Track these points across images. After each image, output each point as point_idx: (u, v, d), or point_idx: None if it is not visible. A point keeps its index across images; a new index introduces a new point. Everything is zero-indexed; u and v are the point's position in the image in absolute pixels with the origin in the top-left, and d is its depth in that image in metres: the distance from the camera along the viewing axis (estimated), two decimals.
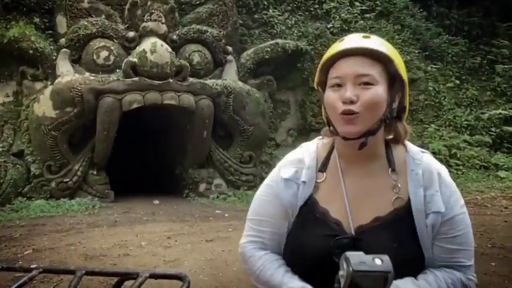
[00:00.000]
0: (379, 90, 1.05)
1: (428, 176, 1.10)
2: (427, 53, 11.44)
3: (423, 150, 1.18)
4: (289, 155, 1.24)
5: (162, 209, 7.52)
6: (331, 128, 1.13)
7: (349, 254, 0.88)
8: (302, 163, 1.18)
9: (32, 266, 1.43)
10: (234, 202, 8.02)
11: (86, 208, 7.26)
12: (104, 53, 7.86)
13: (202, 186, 8.52)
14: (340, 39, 1.12)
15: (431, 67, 11.22)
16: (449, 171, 5.02)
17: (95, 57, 7.82)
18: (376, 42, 1.08)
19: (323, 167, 1.16)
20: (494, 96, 11.35)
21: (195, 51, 8.46)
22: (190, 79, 7.96)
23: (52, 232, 5.80)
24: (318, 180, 1.15)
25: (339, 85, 1.07)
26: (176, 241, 5.29)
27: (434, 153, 9.29)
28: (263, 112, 8.72)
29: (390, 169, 1.12)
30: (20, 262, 4.49)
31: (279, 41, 9.51)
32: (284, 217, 1.16)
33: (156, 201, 8.08)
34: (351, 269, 0.86)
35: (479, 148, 9.95)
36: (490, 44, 11.96)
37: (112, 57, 7.86)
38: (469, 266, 1.13)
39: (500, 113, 10.50)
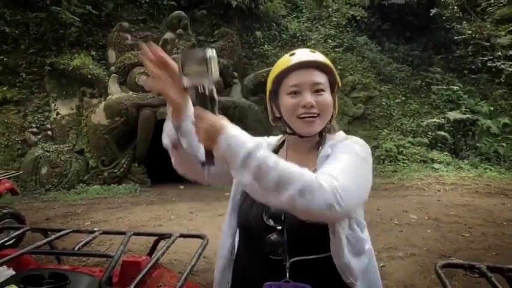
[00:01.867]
0: (328, 96, 0.96)
1: (334, 144, 0.94)
2: (381, 77, 11.44)
3: (348, 136, 1.00)
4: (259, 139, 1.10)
5: (186, 192, 7.53)
6: (283, 127, 1.01)
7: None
8: (267, 142, 1.09)
9: (94, 229, 1.47)
10: None
11: (129, 191, 7.28)
12: (143, 77, 7.82)
13: None
14: (290, 53, 1.00)
15: (384, 87, 11.22)
16: (397, 164, 5.09)
17: (136, 80, 7.81)
18: (321, 57, 0.98)
19: (276, 151, 1.06)
20: (430, 109, 11.34)
21: None
22: None
23: (105, 209, 5.85)
24: None
25: (296, 92, 0.94)
26: (197, 215, 5.32)
27: (386, 151, 9.37)
28: (260, 120, 8.71)
29: (318, 155, 0.95)
30: (73, 236, 4.50)
31: (272, 68, 9.53)
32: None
33: (181, 187, 8.06)
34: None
35: (419, 147, 9.93)
36: (427, 71, 11.95)
37: None
38: (331, 173, 0.80)
39: (435, 121, 10.47)
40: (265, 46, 10.37)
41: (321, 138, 1.00)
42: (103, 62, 8.33)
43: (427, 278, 2.99)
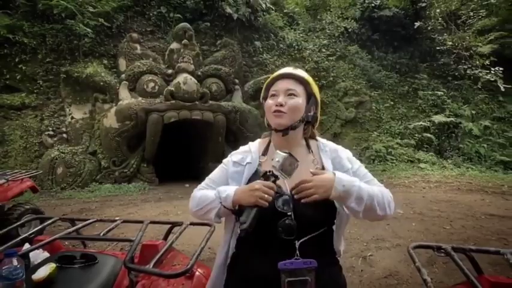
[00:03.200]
0: (299, 100, 1.13)
1: (333, 151, 1.19)
2: (371, 83, 11.56)
3: (327, 141, 1.25)
4: (240, 148, 1.26)
5: (191, 190, 7.27)
6: (269, 124, 1.19)
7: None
8: (248, 151, 1.22)
9: (116, 218, 1.58)
10: None
11: (139, 189, 7.36)
12: (151, 84, 7.94)
13: None
14: (279, 70, 1.21)
15: (374, 93, 11.34)
16: (386, 164, 5.22)
17: (145, 87, 7.89)
18: (300, 72, 1.18)
19: (264, 152, 1.20)
20: (417, 112, 11.44)
21: (213, 82, 8.54)
22: (210, 102, 8.05)
23: (117, 205, 5.93)
24: (261, 160, 1.18)
25: (274, 95, 1.15)
26: None
27: (376, 152, 9.47)
28: (259, 124, 8.79)
29: (310, 151, 1.19)
30: (96, 225, 4.60)
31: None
32: (225, 178, 1.18)
33: (187, 185, 8.12)
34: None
35: (407, 148, 10.03)
36: (414, 77, 12.05)
37: (157, 87, 7.93)
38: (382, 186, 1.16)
39: (421, 124, 10.58)
40: (264, 55, 10.50)
41: (306, 141, 1.21)
42: (114, 70, 8.42)
43: (410, 265, 3.10)
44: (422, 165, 9.27)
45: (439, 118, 10.55)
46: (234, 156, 1.23)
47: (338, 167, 1.14)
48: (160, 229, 3.45)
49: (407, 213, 4.88)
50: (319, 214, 1.06)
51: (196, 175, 9.17)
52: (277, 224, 1.02)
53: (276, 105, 1.12)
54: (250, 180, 1.13)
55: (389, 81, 11.85)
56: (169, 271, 1.13)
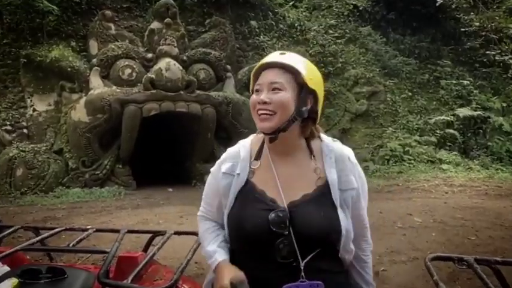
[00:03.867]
0: (286, 95, 1.06)
1: (340, 159, 1.13)
2: (386, 71, 11.62)
3: (334, 139, 1.19)
4: (228, 150, 1.24)
5: (175, 195, 7.61)
6: None
7: None
8: (238, 156, 1.17)
9: (87, 227, 1.60)
10: None
11: (113, 195, 7.33)
12: (128, 71, 7.90)
13: (207, 177, 8.48)
14: (265, 57, 1.15)
15: (389, 82, 11.40)
16: (403, 164, 5.29)
17: (120, 73, 7.85)
18: (288, 58, 1.10)
19: (257, 156, 1.16)
20: (439, 105, 11.54)
21: (201, 69, 8.52)
22: (197, 91, 8.04)
23: (87, 213, 5.91)
24: (254, 167, 1.14)
25: (258, 90, 1.10)
26: (187, 219, 5.42)
27: (391, 151, 9.55)
28: None
29: (312, 156, 1.13)
30: (63, 236, 4.61)
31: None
32: (218, 199, 1.18)
33: (170, 189, 8.15)
34: None
35: (426, 146, 10.12)
36: (436, 64, 12.14)
37: (134, 74, 7.91)
38: (367, 228, 1.20)
39: (443, 119, 10.67)
40: (261, 37, 10.49)
41: (307, 141, 1.15)
42: (84, 53, 8.37)
43: (429, 281, 3.14)
44: (444, 166, 9.37)
45: (464, 111, 10.66)
46: (224, 165, 1.19)
47: (343, 180, 1.10)
48: (140, 240, 3.46)
49: (427, 222, 4.94)
50: (324, 228, 1.05)
51: (182, 178, 9.25)
52: (274, 246, 1.03)
53: (259, 103, 1.08)
54: (238, 197, 1.11)
55: (407, 68, 11.92)
56: (151, 287, 1.15)
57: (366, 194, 1.17)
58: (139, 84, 7.77)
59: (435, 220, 5.04)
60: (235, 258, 1.12)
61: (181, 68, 7.91)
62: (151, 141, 9.45)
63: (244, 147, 1.20)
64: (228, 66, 9.01)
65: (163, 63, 7.79)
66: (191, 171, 8.79)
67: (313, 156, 1.13)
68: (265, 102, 1.07)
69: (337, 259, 1.12)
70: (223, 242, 1.15)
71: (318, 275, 1.04)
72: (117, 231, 1.52)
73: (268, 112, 1.06)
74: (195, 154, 8.62)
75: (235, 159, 1.17)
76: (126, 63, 7.93)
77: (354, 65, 11.31)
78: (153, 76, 7.65)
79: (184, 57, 8.40)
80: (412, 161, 9.59)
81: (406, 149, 9.84)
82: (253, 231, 1.05)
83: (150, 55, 8.13)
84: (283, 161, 1.13)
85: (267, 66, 1.12)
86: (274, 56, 1.12)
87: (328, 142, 1.16)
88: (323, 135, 1.19)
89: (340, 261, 1.13)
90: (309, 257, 1.04)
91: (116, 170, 7.93)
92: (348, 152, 1.17)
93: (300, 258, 1.03)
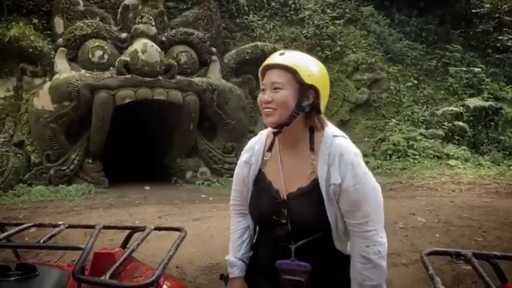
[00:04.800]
0: (285, 93, 1.32)
1: (333, 155, 1.33)
2: (389, 55, 11.75)
3: (336, 134, 1.38)
4: (249, 142, 1.55)
5: (153, 194, 7.63)
6: None
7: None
8: (254, 148, 1.49)
9: (59, 223, 1.64)
10: (218, 188, 8.19)
11: (82, 193, 7.30)
12: (99, 52, 7.85)
13: (188, 174, 8.66)
14: (269, 57, 1.39)
15: (393, 68, 11.53)
16: (407, 160, 5.44)
17: (90, 55, 7.81)
18: (286, 58, 1.34)
19: (270, 147, 1.45)
20: (447, 94, 11.72)
21: (182, 51, 8.52)
22: (178, 77, 8.03)
23: (53, 213, 5.89)
24: (266, 158, 1.45)
25: (264, 90, 1.37)
26: (166, 220, 5.46)
27: (394, 145, 9.70)
28: (244, 107, 8.88)
29: (312, 149, 1.37)
30: (26, 239, 4.62)
31: (258, 43, 9.65)
32: (244, 186, 1.51)
33: (147, 187, 8.16)
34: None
35: (433, 140, 10.28)
36: (444, 49, 12.32)
37: (106, 56, 7.87)
38: (373, 229, 1.32)
39: (452, 110, 10.83)
40: (250, 16, 10.50)
41: (311, 132, 1.39)
42: (48, 32, 8.26)
43: (432, 285, 3.27)
44: (452, 162, 9.55)
45: (474, 102, 10.85)
46: (244, 155, 1.52)
47: (331, 176, 1.32)
48: (116, 238, 3.52)
49: (431, 222, 5.08)
50: (313, 221, 1.34)
51: (160, 174, 9.28)
52: (274, 231, 1.38)
53: (263, 102, 1.35)
54: (255, 184, 1.46)
55: (413, 53, 12.07)
56: (130, 283, 1.21)
57: (363, 193, 1.32)
58: (111, 68, 7.74)
59: (440, 220, 5.17)
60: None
61: (159, 50, 7.88)
62: (125, 133, 9.43)
63: (259, 139, 1.50)
64: (213, 49, 9.01)
65: (139, 44, 7.75)
66: (171, 167, 8.81)
67: (313, 149, 1.36)
68: (268, 102, 1.33)
69: (331, 246, 1.38)
70: (247, 252, 1.53)
71: (308, 258, 1.34)
72: (92, 227, 1.57)
73: (271, 109, 1.33)
74: (175, 148, 8.64)
75: (252, 151, 1.49)
76: (97, 43, 7.87)
77: (354, 49, 11.40)
78: (127, 59, 7.61)
79: (163, 38, 8.37)
80: (417, 156, 9.75)
81: (411, 143, 9.99)
82: (259, 218, 1.46)
83: (124, 35, 8.08)
84: (289, 152, 1.41)
85: (269, 67, 1.37)
86: (274, 58, 1.37)
87: (328, 137, 1.37)
88: (329, 129, 1.39)
89: (333, 248, 1.38)
90: (300, 242, 1.35)
91: (85, 165, 7.91)
92: (343, 149, 1.34)
93: (292, 241, 1.36)
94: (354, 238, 1.34)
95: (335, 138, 1.35)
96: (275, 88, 1.33)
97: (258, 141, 1.50)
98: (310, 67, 1.34)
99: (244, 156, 1.51)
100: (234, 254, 1.52)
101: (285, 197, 1.37)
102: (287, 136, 1.38)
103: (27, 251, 3.38)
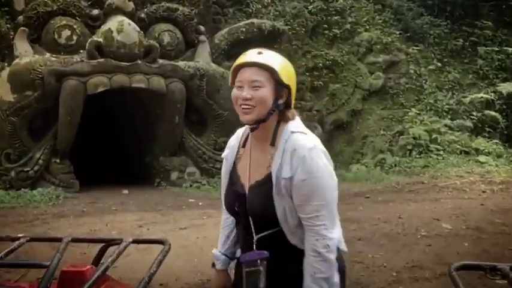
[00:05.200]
0: (265, 91, 1.57)
1: (286, 151, 1.59)
2: (408, 34, 11.71)
3: (294, 130, 1.62)
4: (231, 138, 1.84)
5: (132, 199, 7.63)
6: None
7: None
8: (231, 145, 1.80)
9: (19, 235, 1.62)
10: (209, 190, 8.20)
11: (49, 198, 7.28)
12: (66, 32, 7.80)
13: (174, 175, 8.65)
14: (243, 54, 1.63)
15: (413, 49, 11.49)
16: (429, 156, 5.45)
17: (56, 36, 7.76)
18: (265, 58, 1.59)
19: (244, 143, 1.75)
20: (476, 79, 11.71)
21: (165, 30, 8.48)
22: (160, 61, 8.02)
23: (15, 223, 5.86)
24: (240, 153, 1.75)
25: (240, 86, 1.59)
26: (148, 229, 5.47)
27: (415, 139, 9.70)
28: None
29: (269, 144, 1.64)
30: None
31: (255, 20, 9.62)
32: (225, 181, 1.81)
33: (126, 191, 8.15)
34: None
35: (460, 133, 10.27)
36: (473, 25, 12.28)
37: (75, 37, 7.83)
38: (322, 223, 1.55)
39: (482, 97, 10.83)
40: None
41: (277, 126, 1.64)
42: (5, 9, 8.19)
43: None
44: (482, 158, 9.56)
45: (508, 87, 10.86)
46: (225, 151, 1.83)
47: (283, 170, 1.57)
48: (89, 251, 3.50)
49: (458, 229, 5.09)
50: (264, 212, 1.60)
51: (140, 175, 9.28)
52: (237, 222, 1.74)
53: (242, 99, 1.57)
54: (229, 179, 1.76)
55: (436, 31, 12.04)
56: None
57: (314, 188, 1.55)
58: (81, 51, 7.71)
59: (468, 226, 5.18)
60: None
61: (138, 29, 7.86)
62: (98, 128, 9.40)
63: (237, 135, 1.80)
64: (201, 27, 8.99)
65: (114, 22, 7.72)
66: (153, 167, 8.81)
67: (273, 144, 1.63)
68: (247, 99, 1.56)
69: (290, 247, 1.62)
70: (231, 248, 1.83)
71: (267, 250, 1.57)
72: (59, 239, 1.55)
73: (249, 106, 1.57)
74: (157, 144, 8.63)
75: (231, 146, 1.80)
76: (64, 22, 7.82)
77: (367, 26, 11.36)
78: (100, 40, 7.59)
79: (143, 15, 8.35)
80: (441, 152, 9.74)
81: (434, 136, 9.98)
82: (228, 210, 1.77)
83: (96, 11, 8.04)
84: (258, 148, 1.69)
85: (247, 65, 1.60)
86: (252, 56, 1.61)
87: (286, 133, 1.63)
88: (289, 126, 1.64)
89: (292, 249, 1.62)
90: (260, 235, 1.62)
91: (52, 165, 7.90)
92: (297, 144, 1.59)
93: (254, 233, 1.63)
94: (306, 232, 1.58)
95: (292, 134, 1.61)
96: (255, 86, 1.56)
97: (236, 138, 1.80)
98: (286, 68, 1.63)
99: (225, 152, 1.83)
100: (219, 248, 1.85)
101: (246, 190, 1.66)
102: (260, 132, 1.64)
103: None
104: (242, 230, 1.70)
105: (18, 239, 1.60)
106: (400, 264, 4.02)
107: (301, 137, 1.61)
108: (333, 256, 1.55)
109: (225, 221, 1.86)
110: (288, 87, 1.62)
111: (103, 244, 1.63)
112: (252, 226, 1.63)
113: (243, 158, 1.73)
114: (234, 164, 1.76)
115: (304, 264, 1.57)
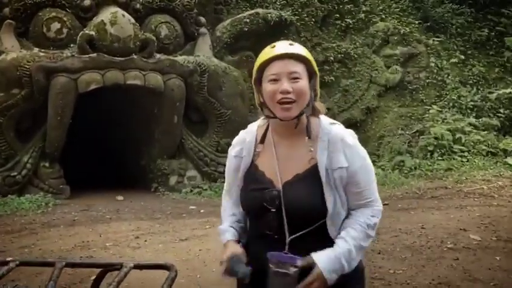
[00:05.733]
0: (304, 83, 1.64)
1: (333, 141, 1.66)
2: (428, 24, 11.68)
3: (333, 122, 1.73)
4: (237, 136, 1.86)
5: (128, 206, 7.61)
6: (266, 111, 1.70)
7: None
8: (245, 141, 1.79)
9: (8, 259, 1.58)
10: (211, 196, 8.17)
11: (38, 206, 7.29)
12: (56, 25, 7.83)
13: (173, 179, 8.64)
14: (271, 46, 1.68)
15: (433, 40, 11.46)
16: (453, 158, 5.39)
17: (44, 30, 7.79)
18: (298, 49, 1.66)
19: (262, 139, 1.76)
20: (503, 73, 11.65)
21: (162, 22, 8.50)
22: (158, 55, 8.02)
23: (1, 233, 5.85)
24: (258, 150, 1.76)
25: (275, 80, 1.62)
26: (146, 241, 5.42)
27: (436, 139, 9.65)
28: (242, 93, 8.83)
29: (307, 138, 1.68)
30: None
31: (260, 10, 9.60)
32: (234, 179, 1.83)
33: (120, 197, 8.15)
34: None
35: (486, 132, 10.21)
36: (500, 14, 12.22)
37: (65, 30, 7.85)
38: (374, 200, 1.72)
39: (510, 93, 10.76)
40: None
41: (308, 122, 1.70)
42: None
43: None
44: (510, 160, 9.49)
45: None
46: (233, 149, 1.83)
47: (333, 161, 1.65)
48: (84, 273, 3.48)
49: (488, 240, 5.01)
50: (309, 206, 1.63)
51: (136, 180, 9.27)
52: (267, 222, 1.66)
53: (282, 93, 1.60)
54: (245, 177, 1.77)
55: (458, 20, 11.99)
56: None
57: (367, 171, 1.71)
58: (72, 46, 7.73)
59: (500, 238, 5.08)
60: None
61: (133, 21, 7.86)
62: (90, 129, 9.39)
63: (250, 131, 1.82)
64: (202, 19, 8.99)
65: (107, 14, 7.73)
66: (150, 170, 8.80)
67: (309, 137, 1.68)
68: (288, 92, 1.60)
69: (325, 243, 1.65)
70: (236, 222, 1.84)
71: (301, 253, 1.58)
72: (52, 264, 1.51)
73: (290, 100, 1.60)
74: (155, 146, 8.62)
75: (243, 144, 1.80)
76: (53, 14, 7.85)
77: (383, 16, 11.33)
78: (92, 33, 7.59)
79: (138, 6, 8.35)
80: (466, 153, 9.68)
81: (457, 136, 9.92)
82: (252, 207, 1.73)
83: (87, 2, 8.04)
84: (284, 143, 1.73)
85: (280, 57, 1.64)
86: (286, 47, 1.66)
87: (325, 125, 1.71)
88: (322, 117, 1.74)
89: (326, 239, 1.66)
90: (296, 235, 1.63)
91: (41, 170, 7.93)
92: (343, 134, 1.70)
93: (287, 233, 1.63)
94: (359, 210, 1.70)
95: (333, 125, 1.71)
96: (294, 78, 1.62)
97: (248, 133, 1.82)
98: (312, 57, 1.69)
99: (234, 150, 1.82)
100: (224, 223, 1.85)
101: (280, 186, 1.66)
102: (288, 126, 1.68)
103: None
104: (266, 230, 1.68)
105: (7, 263, 1.55)
106: (425, 282, 3.93)
107: (340, 127, 1.73)
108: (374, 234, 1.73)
109: (228, 203, 1.90)
110: (317, 77, 1.71)
111: (101, 269, 1.58)
112: (286, 225, 1.63)
113: (264, 154, 1.75)
114: (252, 161, 1.77)
115: (348, 230, 1.66)
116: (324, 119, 1.74)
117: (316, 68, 1.70)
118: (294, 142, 1.71)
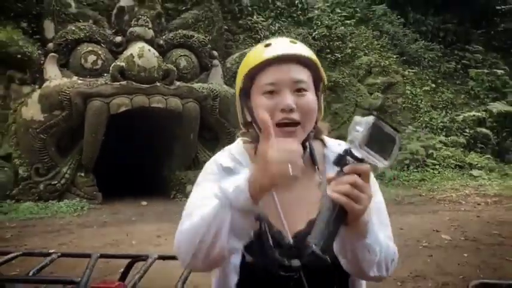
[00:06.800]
0: (312, 97, 1.00)
1: None
2: (404, 57, 11.75)
3: (340, 142, 1.09)
4: (223, 151, 1.13)
5: (151, 210, 7.58)
6: (254, 134, 1.07)
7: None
8: (237, 161, 1.07)
9: (50, 251, 1.57)
10: None
11: (74, 210, 7.28)
12: (92, 57, 7.86)
13: (189, 187, 8.56)
14: (264, 43, 1.05)
15: (409, 71, 11.52)
16: (426, 170, 5.38)
17: (82, 61, 7.82)
18: (303, 48, 1.02)
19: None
20: (468, 99, 11.69)
21: (181, 55, 8.54)
22: (177, 83, 8.04)
23: (43, 233, 5.84)
24: None
25: (273, 92, 0.99)
26: (166, 239, 5.38)
27: (412, 154, 9.64)
28: None
29: (316, 167, 1.05)
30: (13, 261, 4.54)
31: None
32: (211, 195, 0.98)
33: (144, 203, 8.11)
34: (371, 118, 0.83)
35: (454, 148, 10.25)
36: (464, 50, 12.35)
37: (99, 62, 7.88)
38: (392, 239, 1.08)
39: (473, 115, 10.82)
40: (254, 17, 10.52)
41: (310, 147, 1.06)
42: (37, 37, 8.28)
43: None
44: (475, 172, 9.47)
45: (498, 107, 10.80)
46: (223, 160, 1.08)
47: None
48: (112, 266, 3.44)
49: (457, 240, 4.99)
50: (332, 257, 0.94)
51: (158, 188, 9.21)
52: (281, 280, 0.93)
53: (283, 111, 0.96)
54: None
55: (430, 54, 12.04)
56: None
57: (379, 207, 1.07)
58: (105, 75, 7.74)
59: (467, 237, 5.08)
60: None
61: (157, 54, 7.89)
62: (120, 145, 9.39)
63: (238, 153, 1.09)
64: (215, 52, 9.02)
65: (135, 48, 7.76)
66: (170, 180, 8.76)
67: (317, 167, 1.05)
68: (291, 109, 0.96)
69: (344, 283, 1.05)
70: None
71: None
72: (88, 255, 1.50)
73: (294, 122, 0.97)
74: (174, 159, 8.59)
75: (235, 162, 1.07)
76: (90, 48, 7.88)
77: (366, 51, 11.38)
78: (122, 64, 7.61)
79: (161, 42, 8.39)
80: (437, 166, 9.70)
81: (430, 151, 9.93)
82: (263, 273, 0.96)
83: (119, 39, 8.10)
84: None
85: (281, 59, 0.99)
86: (286, 46, 1.00)
87: (332, 147, 1.09)
88: (326, 139, 1.13)
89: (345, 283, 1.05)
90: None
91: (78, 179, 7.88)
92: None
93: None
94: None
95: (340, 147, 1.05)
96: (299, 89, 0.98)
97: (239, 156, 1.08)
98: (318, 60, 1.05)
99: (223, 161, 1.08)
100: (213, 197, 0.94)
101: (291, 241, 0.97)
102: None
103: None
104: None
105: (49, 254, 1.55)
106: (404, 274, 3.91)
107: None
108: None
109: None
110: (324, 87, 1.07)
111: (129, 260, 1.57)
112: (305, 283, 0.93)
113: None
114: None
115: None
116: (329, 141, 1.12)
117: (323, 74, 1.05)
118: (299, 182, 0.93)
